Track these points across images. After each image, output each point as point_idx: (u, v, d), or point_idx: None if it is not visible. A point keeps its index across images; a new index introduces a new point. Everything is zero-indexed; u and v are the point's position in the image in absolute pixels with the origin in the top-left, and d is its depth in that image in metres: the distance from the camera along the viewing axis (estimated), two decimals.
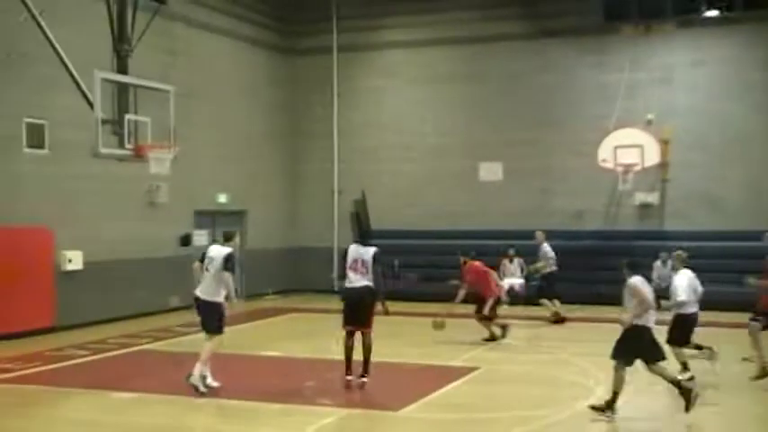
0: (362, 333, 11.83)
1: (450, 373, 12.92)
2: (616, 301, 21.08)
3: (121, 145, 14.34)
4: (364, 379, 11.79)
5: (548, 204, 23.53)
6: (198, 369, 11.32)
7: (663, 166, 21.94)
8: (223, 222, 22.94)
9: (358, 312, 11.78)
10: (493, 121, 24.18)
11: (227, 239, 12.05)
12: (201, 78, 21.83)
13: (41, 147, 17.13)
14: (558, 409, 10.61)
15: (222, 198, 22.87)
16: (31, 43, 15.93)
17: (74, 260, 17.50)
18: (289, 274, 25.09)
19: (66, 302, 17.13)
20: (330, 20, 25.43)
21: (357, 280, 11.80)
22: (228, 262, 11.36)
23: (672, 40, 22.82)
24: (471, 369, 13.23)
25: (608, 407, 10.32)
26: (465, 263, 16.57)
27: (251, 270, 23.11)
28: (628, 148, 21.09)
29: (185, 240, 20.89)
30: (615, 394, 10.35)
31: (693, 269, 12.96)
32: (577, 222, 23.18)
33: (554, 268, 19.37)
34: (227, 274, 11.35)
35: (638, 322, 10.70)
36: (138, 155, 14.42)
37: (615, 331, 16.93)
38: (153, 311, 19.18)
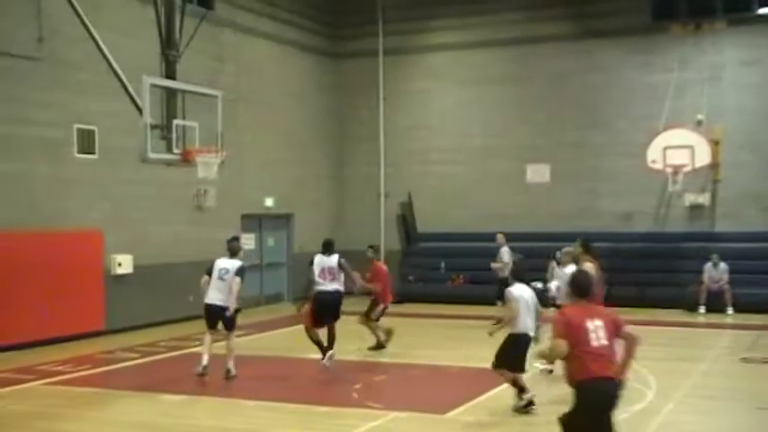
0: (329, 327, 13.24)
1: (498, 377, 12.77)
2: (667, 303, 21.02)
3: (169, 150, 14.44)
4: (331, 351, 13.16)
5: (595, 206, 23.28)
6: (232, 363, 12.74)
7: (713, 166, 21.57)
8: (270, 226, 23.10)
9: (328, 312, 13.26)
10: (540, 122, 23.99)
11: (234, 253, 12.94)
12: (248, 83, 21.99)
13: (92, 152, 17.39)
14: None
15: (269, 202, 22.99)
16: (81, 50, 16.19)
17: (123, 264, 17.71)
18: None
19: (115, 306, 17.35)
20: (376, 23, 25.45)
21: (327, 284, 13.33)
22: (242, 272, 12.66)
23: (721, 38, 22.43)
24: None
25: (528, 404, 10.64)
26: (372, 261, 15.96)
27: (297, 273, 23.16)
28: (677, 148, 20.79)
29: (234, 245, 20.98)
30: (521, 389, 10.70)
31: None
32: (626, 224, 22.89)
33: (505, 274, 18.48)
34: (238, 280, 12.52)
35: (512, 330, 10.94)
36: (186, 159, 14.51)
37: (666, 334, 16.74)
38: (201, 315, 19.30)
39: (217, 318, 12.70)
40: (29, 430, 10.15)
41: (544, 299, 21.30)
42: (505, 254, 18.80)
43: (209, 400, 11.55)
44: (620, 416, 10.18)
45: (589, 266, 12.15)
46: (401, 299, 23.41)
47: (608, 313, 7.08)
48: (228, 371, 12.71)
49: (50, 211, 16.42)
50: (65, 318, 16.14)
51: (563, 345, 6.83)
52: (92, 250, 17.04)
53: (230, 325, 12.79)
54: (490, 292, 22.53)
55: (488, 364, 13.74)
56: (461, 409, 10.77)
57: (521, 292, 11.17)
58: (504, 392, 11.85)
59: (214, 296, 12.60)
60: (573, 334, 6.82)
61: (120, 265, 17.68)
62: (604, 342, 6.88)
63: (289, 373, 13.53)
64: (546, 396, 10.94)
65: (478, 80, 24.70)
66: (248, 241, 22.11)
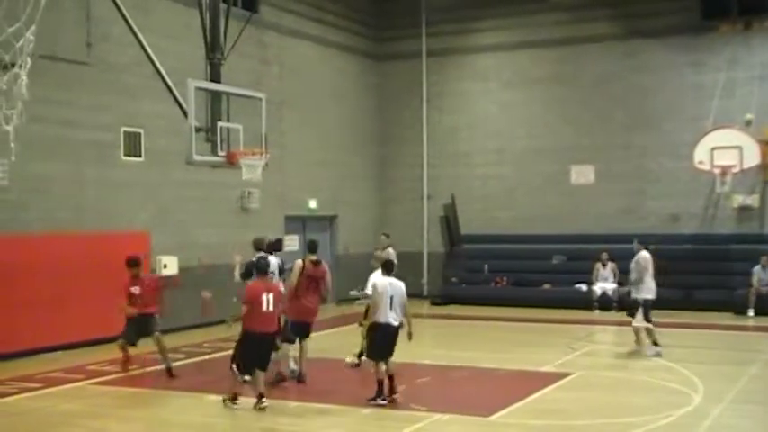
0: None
1: (543, 379, 12.73)
2: (715, 306, 20.71)
3: (214, 152, 14.55)
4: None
5: (641, 208, 23.03)
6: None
7: (763, 167, 21.18)
8: (313, 227, 23.19)
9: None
10: (585, 123, 23.79)
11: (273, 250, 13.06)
12: (292, 85, 22.11)
13: (138, 155, 17.62)
14: (656, 417, 10.30)
15: (312, 203, 23.09)
16: (129, 54, 16.42)
17: (169, 265, 17.88)
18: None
19: (161, 307, 17.51)
20: (419, 25, 25.43)
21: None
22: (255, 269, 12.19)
23: None
24: (564, 375, 13.01)
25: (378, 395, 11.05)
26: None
27: (340, 275, 23.24)
28: (725, 149, 20.52)
29: (277, 245, 21.11)
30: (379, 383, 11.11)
31: None
32: (673, 226, 22.59)
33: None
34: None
35: (375, 319, 11.26)
36: (231, 162, 14.60)
37: (714, 338, 16.50)
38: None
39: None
40: (79, 429, 10.29)
41: (587, 300, 21.36)
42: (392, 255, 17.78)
43: (253, 401, 11.60)
44: (667, 419, 10.11)
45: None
46: (444, 300, 23.41)
47: None
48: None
49: (99, 213, 16.67)
50: (112, 319, 16.32)
51: None
52: (139, 252, 17.21)
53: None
54: (534, 293, 22.53)
55: (532, 366, 13.71)
56: (505, 411, 10.70)
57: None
58: (547, 395, 11.79)
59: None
60: None
61: (165, 266, 17.85)
62: None
63: (332, 375, 13.56)
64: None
65: (522, 81, 24.56)
66: (292, 242, 22.21)
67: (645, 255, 15.01)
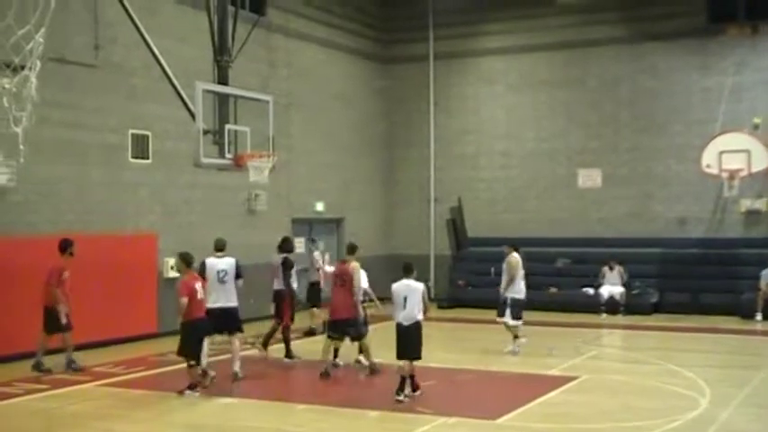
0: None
1: (549, 382, 12.72)
2: (721, 310, 20.67)
3: (222, 154, 14.57)
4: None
5: (648, 211, 22.99)
6: (237, 366, 12.82)
7: None
8: (320, 230, 23.20)
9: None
10: (592, 126, 23.77)
11: (221, 249, 13.40)
12: (299, 88, 22.14)
13: (146, 157, 17.65)
14: (663, 421, 10.28)
15: (319, 206, 23.11)
16: (136, 56, 16.47)
17: (176, 267, 17.89)
18: (385, 282, 24.98)
19: (168, 308, 17.52)
20: (426, 28, 25.44)
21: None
22: (239, 270, 13.14)
23: None
24: (571, 378, 12.99)
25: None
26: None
27: None
28: (733, 153, 20.52)
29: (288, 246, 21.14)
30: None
31: None
32: (680, 230, 22.55)
33: (316, 278, 18.10)
34: (241, 282, 13.08)
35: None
36: (238, 164, 14.63)
37: (721, 342, 16.48)
38: (252, 318, 19.44)
39: (222, 319, 12.93)
40: (86, 430, 10.33)
41: (593, 304, 21.32)
42: (317, 258, 18.26)
43: (259, 403, 11.64)
44: (673, 423, 10.09)
45: None
46: (451, 303, 23.37)
47: None
48: (236, 374, 12.95)
49: (106, 215, 16.70)
50: (119, 320, 16.38)
51: None
52: (146, 254, 17.29)
53: (235, 326, 13.17)
54: (543, 297, 22.47)
55: (538, 370, 13.69)
56: (512, 414, 10.69)
57: None
58: (554, 398, 11.77)
59: (216, 298, 12.89)
60: None
61: (172, 268, 17.85)
62: None
63: (338, 377, 13.56)
64: None
65: (530, 84, 24.55)
66: (298, 245, 22.20)
67: (515, 257, 15.46)
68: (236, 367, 12.88)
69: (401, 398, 11.33)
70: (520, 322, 15.29)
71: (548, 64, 24.35)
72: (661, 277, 21.90)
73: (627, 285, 21.49)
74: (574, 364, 14.45)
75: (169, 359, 14.96)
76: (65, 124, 15.81)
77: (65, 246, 13.97)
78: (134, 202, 17.42)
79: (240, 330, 13.17)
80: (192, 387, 11.92)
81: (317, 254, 18.43)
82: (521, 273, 15.44)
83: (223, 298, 12.89)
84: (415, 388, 11.65)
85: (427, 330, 11.98)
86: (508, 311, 15.21)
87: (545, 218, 23.97)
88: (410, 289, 11.55)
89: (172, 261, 17.83)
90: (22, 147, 8.74)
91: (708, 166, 20.81)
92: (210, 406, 11.49)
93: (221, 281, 12.90)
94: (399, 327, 11.58)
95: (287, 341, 14.75)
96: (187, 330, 11.96)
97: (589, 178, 23.75)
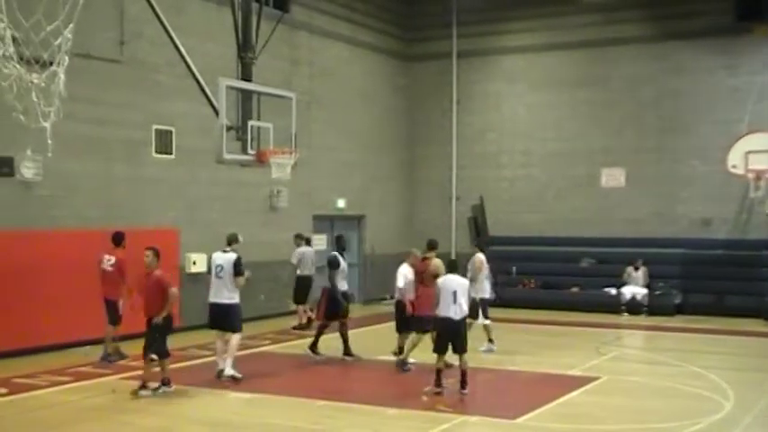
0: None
1: (570, 383, 12.67)
2: (745, 312, 20.48)
3: (244, 151, 14.60)
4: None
5: (672, 211, 22.81)
6: (229, 364, 12.57)
7: None
8: (341, 227, 23.22)
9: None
10: (615, 126, 23.62)
11: (229, 243, 13.09)
12: (322, 85, 22.17)
13: (169, 152, 17.75)
14: (684, 423, 10.21)
15: (341, 203, 23.13)
16: (161, 52, 16.55)
17: (198, 262, 17.99)
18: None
19: (189, 304, 17.62)
20: (449, 26, 25.38)
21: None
22: (237, 267, 12.66)
23: None
24: (592, 379, 12.93)
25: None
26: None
27: (368, 275, 23.28)
28: (760, 153, 20.32)
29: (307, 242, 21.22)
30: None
31: None
32: (704, 230, 22.37)
33: (311, 272, 18.51)
34: (241, 279, 12.68)
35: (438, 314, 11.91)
36: (260, 160, 14.65)
37: (744, 344, 16.33)
38: (273, 314, 19.54)
39: (218, 316, 12.90)
40: (107, 423, 10.40)
41: (615, 304, 21.22)
42: (307, 255, 18.63)
43: (278, 399, 11.66)
44: (696, 426, 10.01)
45: None
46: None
47: None
48: (222, 371, 12.85)
49: (129, 210, 16.80)
50: (141, 314, 16.43)
51: None
52: (169, 249, 17.31)
53: (230, 325, 12.90)
54: (562, 296, 22.40)
55: (559, 370, 13.64)
56: (531, 414, 10.66)
57: None
58: (574, 399, 11.72)
59: (214, 294, 12.87)
60: None
61: (194, 263, 17.97)
62: None
63: (358, 374, 13.58)
64: None
65: (553, 83, 24.44)
66: (320, 242, 22.27)
67: (479, 257, 15.43)
68: (225, 365, 12.67)
69: (440, 390, 11.70)
70: (487, 322, 15.27)
71: (570, 63, 24.22)
72: (684, 278, 21.76)
73: (650, 286, 21.37)
74: (595, 364, 14.38)
75: (190, 353, 15.10)
76: (89, 119, 15.90)
77: (120, 238, 14.36)
78: (157, 198, 17.52)
79: (233, 330, 12.81)
80: (167, 382, 11.88)
81: (305, 249, 18.55)
82: (485, 272, 15.44)
83: (218, 293, 12.77)
84: (465, 384, 11.78)
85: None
86: (481, 312, 15.09)
87: (567, 217, 23.86)
88: (458, 284, 11.92)
89: (194, 256, 17.97)
90: (50, 141, 8.81)
91: (733, 166, 20.64)
92: (229, 401, 11.54)
93: (217, 276, 12.80)
94: (449, 321, 11.75)
95: (317, 335, 14.64)
96: (168, 324, 11.97)
97: (612, 178, 23.61)
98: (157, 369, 11.88)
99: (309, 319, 17.98)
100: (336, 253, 14.63)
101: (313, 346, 14.60)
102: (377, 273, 23.32)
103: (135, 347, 15.11)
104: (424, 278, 13.35)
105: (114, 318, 14.16)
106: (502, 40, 25.07)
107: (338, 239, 15.25)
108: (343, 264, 14.46)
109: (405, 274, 13.76)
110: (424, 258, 13.84)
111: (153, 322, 11.75)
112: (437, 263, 13.47)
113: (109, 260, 14.22)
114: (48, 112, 8.73)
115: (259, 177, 17.93)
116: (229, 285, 12.72)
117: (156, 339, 11.77)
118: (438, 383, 11.83)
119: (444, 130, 25.60)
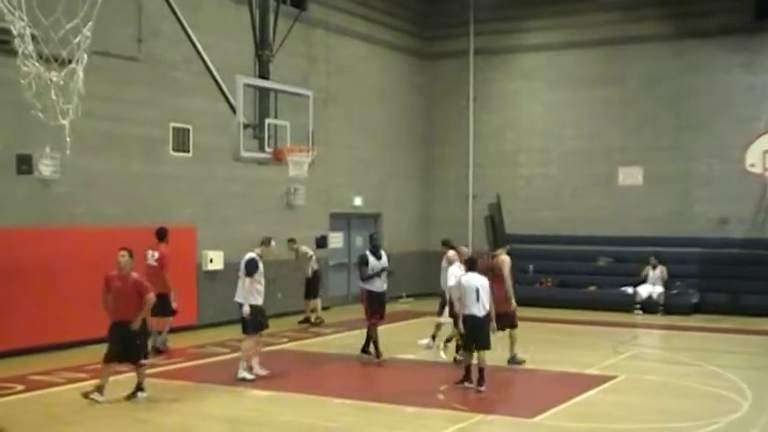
0: None
1: (587, 381, 12.63)
2: (763, 311, 20.34)
3: (261, 148, 14.60)
4: None
5: (689, 210, 22.69)
6: (241, 366, 12.54)
7: None
8: (357, 225, 23.25)
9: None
10: (633, 124, 23.51)
11: (261, 243, 13.20)
12: (339, 83, 22.18)
13: (186, 150, 17.81)
14: (702, 423, 10.16)
15: (357, 201, 23.14)
16: (178, 50, 16.60)
17: (215, 260, 18.05)
18: (423, 278, 25.06)
19: (207, 301, 17.71)
20: (467, 24, 25.33)
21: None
22: (246, 268, 12.59)
23: None
24: (609, 378, 12.89)
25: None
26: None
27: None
28: None
29: (321, 242, 21.28)
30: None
31: None
32: (722, 229, 22.23)
33: (315, 267, 18.89)
34: (248, 280, 12.58)
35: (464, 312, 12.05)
36: (278, 158, 14.64)
37: (762, 344, 16.19)
38: (290, 312, 19.57)
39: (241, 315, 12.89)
40: (124, 419, 10.45)
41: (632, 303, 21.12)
42: (308, 252, 19.18)
43: (295, 396, 11.69)
44: (713, 426, 9.96)
45: None
46: None
47: None
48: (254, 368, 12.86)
49: (146, 208, 16.86)
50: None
51: None
52: (186, 246, 17.41)
53: (247, 326, 12.77)
54: (580, 295, 22.31)
55: (576, 369, 13.60)
56: (549, 413, 10.63)
57: None
58: (592, 398, 11.69)
59: (237, 293, 12.98)
60: None
61: (211, 261, 18.03)
62: None
63: (375, 373, 13.58)
64: None
65: (571, 81, 24.35)
66: (336, 240, 22.33)
67: (451, 254, 15.16)
68: (240, 368, 12.65)
69: (469, 385, 11.92)
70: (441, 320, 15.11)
71: (588, 61, 24.12)
72: (701, 277, 21.65)
73: (667, 285, 21.28)
74: (612, 363, 14.33)
75: (208, 351, 15.15)
76: (107, 117, 15.97)
77: (163, 234, 14.78)
78: (174, 195, 17.58)
79: (245, 332, 12.78)
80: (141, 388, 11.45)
81: (306, 248, 19.00)
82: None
83: (238, 293, 12.87)
84: (482, 381, 11.89)
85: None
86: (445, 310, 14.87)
87: (584, 216, 23.78)
88: (480, 282, 12.08)
89: (211, 254, 18.03)
90: (68, 139, 8.85)
91: (751, 165, 20.53)
92: (246, 399, 11.58)
93: (238, 276, 12.90)
94: (474, 318, 11.91)
95: (371, 338, 14.33)
96: (145, 327, 11.68)
97: (630, 176, 23.50)
98: (133, 373, 11.46)
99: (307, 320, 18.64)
100: (367, 252, 14.42)
101: (367, 348, 14.42)
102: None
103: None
104: (495, 274, 13.45)
105: (167, 310, 14.46)
106: (520, 39, 25.00)
107: (371, 238, 15.21)
108: (373, 262, 14.13)
109: (456, 274, 13.47)
110: (494, 256, 14.11)
111: (131, 328, 11.14)
112: (506, 259, 13.79)
113: (153, 255, 14.58)
114: (66, 109, 8.77)
115: (276, 175, 17.94)
116: (243, 285, 12.75)
117: (137, 345, 11.28)
118: (468, 379, 12.02)
119: (461, 128, 25.55)
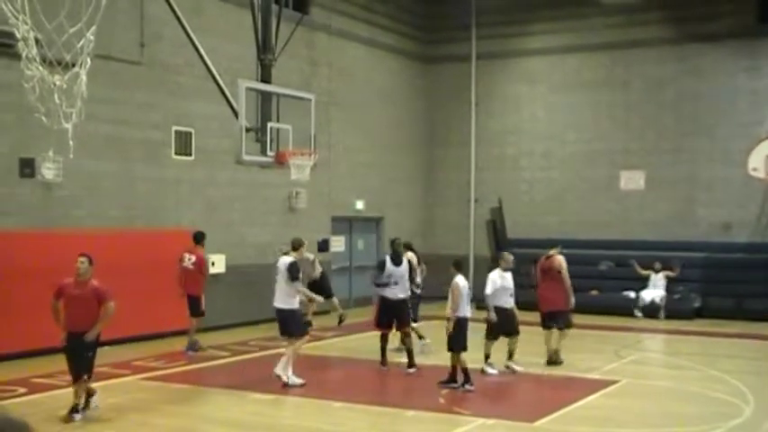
0: None
1: (589, 386, 12.61)
2: (766, 316, 20.28)
3: (264, 152, 14.62)
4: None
5: (692, 215, 22.68)
6: (280, 366, 12.27)
7: None
8: (359, 229, 23.25)
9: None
10: (635, 128, 23.50)
11: (294, 249, 13.13)
12: (341, 86, 22.20)
13: (188, 153, 17.82)
14: (704, 428, 10.15)
15: (359, 205, 23.15)
16: (181, 54, 16.63)
17: (217, 263, 18.04)
18: (425, 282, 25.03)
19: (208, 304, 17.66)
20: (469, 28, 25.33)
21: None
22: (290, 272, 12.44)
23: None
24: (611, 382, 12.87)
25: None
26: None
27: None
28: None
29: (323, 245, 21.27)
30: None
31: None
32: (725, 234, 22.21)
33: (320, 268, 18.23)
34: (298, 284, 12.56)
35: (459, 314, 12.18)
36: (280, 161, 14.67)
37: (765, 348, 16.15)
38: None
39: (278, 320, 12.77)
40: (124, 422, 10.45)
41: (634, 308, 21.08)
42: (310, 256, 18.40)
43: (297, 400, 11.69)
44: (716, 430, 9.94)
45: None
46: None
47: None
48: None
49: (148, 211, 16.89)
50: (161, 315, 16.53)
51: None
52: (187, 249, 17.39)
53: (289, 330, 12.62)
54: (581, 299, 22.25)
55: (578, 373, 13.59)
56: (550, 417, 10.62)
57: None
58: (593, 402, 11.67)
59: (275, 298, 12.78)
60: None
61: (213, 264, 18.01)
62: None
63: (377, 376, 13.57)
64: None
65: (573, 85, 24.35)
66: (338, 244, 22.32)
67: (409, 255, 15.34)
68: (278, 369, 12.43)
69: (454, 386, 12.05)
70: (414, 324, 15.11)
71: (591, 65, 24.12)
72: (704, 282, 21.62)
73: (669, 290, 21.25)
74: (614, 367, 14.32)
75: (210, 354, 15.14)
76: (110, 120, 16.00)
77: (200, 237, 15.27)
78: (176, 199, 17.59)
79: (289, 335, 12.50)
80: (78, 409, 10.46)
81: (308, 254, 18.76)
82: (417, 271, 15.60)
83: (276, 298, 12.69)
84: (469, 380, 12.08)
85: (469, 332, 12.06)
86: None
87: (586, 220, 23.77)
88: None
89: (213, 257, 18.00)
90: (71, 142, 8.86)
91: (754, 169, 20.51)
92: (247, 402, 11.56)
93: (276, 280, 12.77)
94: (466, 321, 12.24)
95: (408, 351, 13.80)
96: (98, 340, 10.62)
97: (632, 180, 23.49)
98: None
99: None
100: (387, 257, 14.29)
101: (382, 360, 14.04)
102: None
103: (141, 349, 15.26)
104: (552, 275, 14.14)
105: (198, 311, 15.01)
106: (522, 42, 25.01)
107: (392, 243, 14.82)
108: (390, 268, 13.85)
109: (494, 280, 13.40)
110: (548, 257, 14.66)
111: (86, 339, 10.23)
112: (562, 259, 14.52)
113: (190, 258, 14.99)
114: (69, 113, 8.80)
115: (278, 178, 17.97)
116: (286, 289, 12.56)
117: (85, 357, 10.36)
118: (454, 380, 12.12)
119: (463, 131, 25.56)
